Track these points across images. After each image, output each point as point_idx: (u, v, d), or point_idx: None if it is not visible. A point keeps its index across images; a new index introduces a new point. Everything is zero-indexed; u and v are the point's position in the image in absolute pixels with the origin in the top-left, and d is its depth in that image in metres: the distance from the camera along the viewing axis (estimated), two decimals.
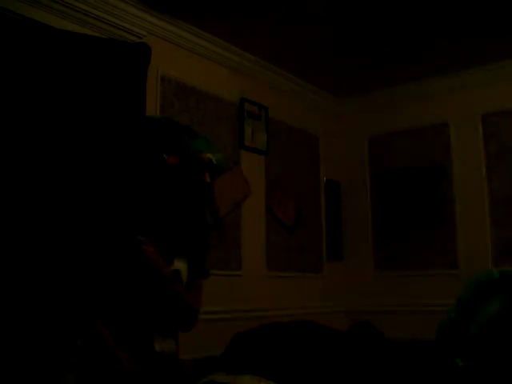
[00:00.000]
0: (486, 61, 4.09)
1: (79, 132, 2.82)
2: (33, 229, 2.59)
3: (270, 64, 4.16)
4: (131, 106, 3.06)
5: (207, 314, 3.45)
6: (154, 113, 3.31)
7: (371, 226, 4.72)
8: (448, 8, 3.31)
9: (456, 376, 1.20)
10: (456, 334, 1.33)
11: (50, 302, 2.58)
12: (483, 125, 4.26)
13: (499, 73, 4.16)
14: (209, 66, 3.76)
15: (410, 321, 4.00)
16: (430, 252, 4.36)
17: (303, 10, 3.35)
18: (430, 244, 4.38)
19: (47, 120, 2.70)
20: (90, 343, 1.87)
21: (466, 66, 4.18)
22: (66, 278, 2.60)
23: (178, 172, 1.89)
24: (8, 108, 2.57)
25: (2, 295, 2.45)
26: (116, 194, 2.64)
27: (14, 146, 2.58)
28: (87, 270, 2.06)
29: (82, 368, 1.89)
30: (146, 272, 1.84)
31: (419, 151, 4.52)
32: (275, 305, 3.96)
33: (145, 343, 1.86)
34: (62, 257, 2.67)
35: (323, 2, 3.28)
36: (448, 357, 1.24)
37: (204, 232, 2.16)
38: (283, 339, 3.25)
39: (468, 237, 4.22)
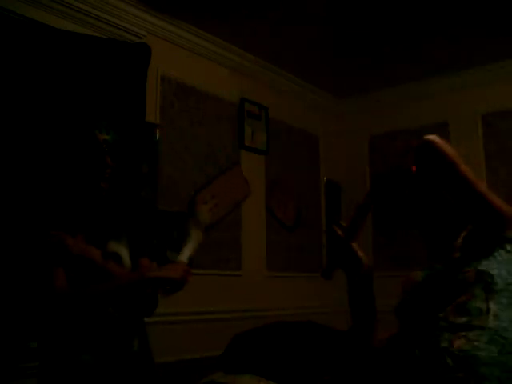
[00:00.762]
0: (486, 61, 4.09)
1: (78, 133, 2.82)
2: None
3: (270, 64, 4.16)
4: (131, 106, 3.07)
5: (207, 314, 3.46)
6: (154, 113, 3.31)
7: (371, 226, 4.72)
8: (448, 8, 3.31)
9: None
10: None
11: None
12: (483, 125, 4.26)
13: (499, 73, 4.16)
14: (209, 66, 3.76)
15: None
16: None
17: (303, 10, 3.35)
18: None
19: (47, 120, 2.70)
20: (48, 346, 1.85)
21: (466, 66, 4.18)
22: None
23: (80, 154, 1.94)
24: (6, 108, 2.57)
25: None
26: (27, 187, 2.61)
27: (12, 146, 2.58)
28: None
29: (45, 372, 1.84)
30: (73, 265, 1.83)
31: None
32: (275, 305, 3.96)
33: (113, 342, 1.85)
34: None
35: (323, 2, 3.28)
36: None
37: (140, 214, 2.17)
38: (283, 339, 3.25)
39: None
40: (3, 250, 2.47)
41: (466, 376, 1.11)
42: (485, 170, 4.20)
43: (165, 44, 3.45)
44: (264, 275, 4.01)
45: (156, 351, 3.13)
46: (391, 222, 4.60)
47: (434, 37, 3.70)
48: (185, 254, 2.06)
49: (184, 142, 3.52)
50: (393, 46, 3.83)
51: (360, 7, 3.32)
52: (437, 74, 4.33)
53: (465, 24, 3.52)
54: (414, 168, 1.44)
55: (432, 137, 1.38)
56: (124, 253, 1.98)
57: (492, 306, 1.17)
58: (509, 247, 1.27)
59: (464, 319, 1.18)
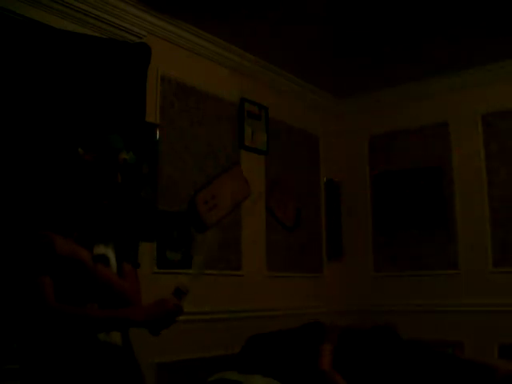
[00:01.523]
0: (486, 61, 4.09)
1: (78, 133, 2.82)
2: None
3: (270, 64, 4.16)
4: (131, 106, 3.07)
5: (207, 313, 3.46)
6: (154, 113, 3.31)
7: (371, 226, 4.72)
8: (448, 8, 3.31)
9: None
10: None
11: None
12: (483, 125, 4.26)
13: (499, 73, 4.16)
14: (209, 66, 3.76)
15: (410, 321, 3.99)
16: (430, 252, 4.36)
17: (303, 10, 3.34)
18: (429, 244, 4.38)
19: (47, 120, 2.70)
20: (30, 347, 1.79)
21: (466, 66, 4.18)
22: None
23: (93, 169, 1.91)
24: (6, 108, 2.57)
25: None
26: (23, 187, 2.58)
27: (12, 146, 2.58)
28: None
29: (28, 373, 1.79)
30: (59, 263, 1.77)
31: (419, 151, 4.52)
32: (275, 305, 3.96)
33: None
34: None
35: (323, 2, 3.28)
36: None
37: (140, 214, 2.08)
38: (296, 342, 3.23)
39: (468, 237, 4.22)
40: None
41: None
42: (485, 170, 4.20)
43: (165, 44, 3.45)
44: (264, 275, 4.01)
45: (156, 351, 3.14)
46: (391, 222, 4.60)
47: (434, 37, 3.70)
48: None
49: (184, 141, 3.51)
50: (393, 45, 3.83)
51: (360, 7, 3.32)
52: (437, 74, 4.33)
53: (465, 24, 3.51)
54: None
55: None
56: (111, 256, 1.95)
57: None
58: None
59: None
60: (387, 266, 4.59)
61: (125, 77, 3.05)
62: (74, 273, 1.79)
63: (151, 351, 3.09)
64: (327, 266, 4.65)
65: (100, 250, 1.90)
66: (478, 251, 4.15)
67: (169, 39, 3.48)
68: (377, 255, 4.66)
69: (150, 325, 1.91)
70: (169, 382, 3.18)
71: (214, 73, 3.80)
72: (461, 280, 4.19)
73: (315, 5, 3.30)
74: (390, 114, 4.69)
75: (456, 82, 4.34)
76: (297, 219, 4.38)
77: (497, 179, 4.16)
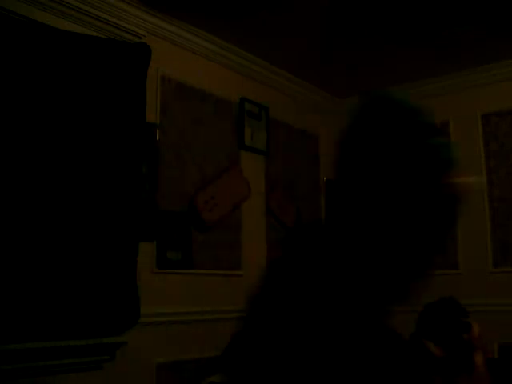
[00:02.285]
0: (486, 61, 4.09)
1: (78, 133, 2.82)
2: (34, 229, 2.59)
3: (270, 64, 4.16)
4: (131, 107, 3.07)
5: (207, 314, 3.46)
6: (154, 113, 3.31)
7: None
8: (448, 8, 3.31)
9: None
10: None
11: None
12: (483, 125, 4.26)
13: (499, 73, 4.16)
14: (209, 66, 3.76)
15: (410, 321, 3.99)
16: None
17: (303, 9, 3.35)
18: None
19: (48, 120, 2.70)
20: None
21: (465, 66, 4.18)
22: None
23: None
24: (7, 108, 2.57)
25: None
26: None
27: (13, 146, 2.58)
28: None
29: None
30: None
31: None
32: None
33: None
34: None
35: (323, 2, 3.28)
36: None
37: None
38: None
39: (468, 237, 4.22)
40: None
41: None
42: (485, 170, 4.20)
43: (165, 44, 3.45)
44: None
45: (156, 351, 3.14)
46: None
47: (433, 37, 3.69)
48: None
49: (184, 141, 3.51)
50: (393, 45, 3.83)
51: (360, 7, 3.32)
52: (437, 74, 4.33)
53: (465, 24, 3.51)
54: None
55: None
56: None
57: None
58: None
59: None
60: None
61: (125, 77, 3.05)
62: None
63: (151, 351, 3.10)
64: None
65: None
66: (478, 251, 4.15)
67: (169, 39, 3.48)
68: None
69: None
70: (169, 382, 3.18)
71: (214, 73, 3.80)
72: (461, 280, 4.19)
73: (315, 5, 3.30)
74: None
75: (456, 82, 4.34)
76: (297, 219, 4.37)
77: (497, 179, 4.16)
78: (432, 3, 3.26)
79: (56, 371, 2.64)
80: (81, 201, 2.78)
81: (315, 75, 4.40)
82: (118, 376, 2.89)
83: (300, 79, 4.46)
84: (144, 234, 3.13)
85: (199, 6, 3.28)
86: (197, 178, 3.56)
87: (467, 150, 4.31)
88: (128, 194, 2.98)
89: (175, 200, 3.40)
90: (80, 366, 2.75)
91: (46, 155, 2.67)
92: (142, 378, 3.04)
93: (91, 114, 2.88)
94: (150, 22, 3.32)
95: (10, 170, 2.55)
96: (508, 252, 4.04)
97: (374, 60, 4.08)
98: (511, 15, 3.38)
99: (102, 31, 3.07)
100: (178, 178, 3.44)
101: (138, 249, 3.02)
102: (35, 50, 2.70)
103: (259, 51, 3.95)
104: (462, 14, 3.39)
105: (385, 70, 4.27)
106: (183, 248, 3.39)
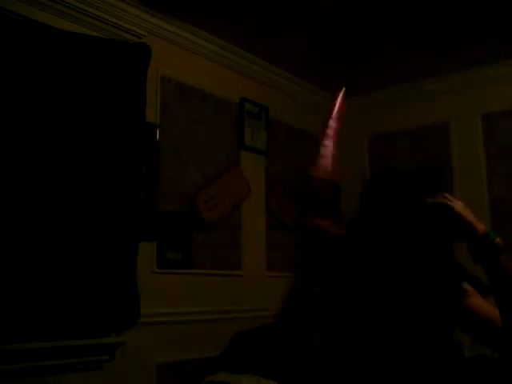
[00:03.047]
0: (486, 61, 4.09)
1: (78, 133, 2.82)
2: (34, 228, 2.59)
3: (270, 64, 4.16)
4: (131, 106, 3.07)
5: (207, 313, 3.46)
6: (154, 113, 3.31)
7: None
8: (448, 8, 3.31)
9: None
10: None
11: None
12: (483, 125, 4.26)
13: (499, 73, 4.16)
14: (209, 66, 3.76)
15: None
16: None
17: (303, 9, 3.34)
18: None
19: (48, 120, 2.70)
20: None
21: (466, 66, 4.18)
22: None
23: None
24: (7, 108, 2.57)
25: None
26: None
27: (13, 146, 2.58)
28: None
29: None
30: None
31: (419, 151, 4.52)
32: (275, 305, 3.94)
33: None
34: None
35: (323, 2, 3.28)
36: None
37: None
38: (282, 338, 3.24)
39: None
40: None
41: None
42: (485, 170, 4.20)
43: (165, 44, 3.45)
44: (264, 275, 4.00)
45: (156, 351, 3.14)
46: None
47: (433, 37, 3.70)
48: None
49: (184, 141, 3.51)
50: (393, 45, 3.83)
51: (360, 7, 3.32)
52: (437, 74, 4.33)
53: (465, 24, 3.51)
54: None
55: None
56: None
57: None
58: None
59: None
60: None
61: (125, 77, 3.05)
62: None
63: (151, 351, 3.10)
64: None
65: None
66: None
67: (169, 39, 3.48)
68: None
69: None
70: (169, 382, 3.18)
71: (214, 73, 3.80)
72: None
73: (315, 5, 3.30)
74: (390, 114, 4.69)
75: (456, 82, 4.34)
76: (297, 219, 4.37)
77: (497, 179, 4.16)
78: (432, 3, 3.26)
79: (56, 371, 2.64)
80: (81, 201, 2.78)
81: (315, 75, 4.40)
82: (117, 376, 2.89)
83: (300, 79, 4.46)
84: (144, 233, 3.13)
85: (199, 6, 3.28)
86: (197, 178, 3.56)
87: (467, 150, 4.31)
88: (128, 194, 2.98)
89: (175, 200, 3.40)
90: (80, 365, 2.75)
91: (46, 155, 2.67)
92: (141, 378, 3.04)
93: (91, 114, 2.88)
94: (150, 21, 3.32)
95: (11, 171, 2.55)
96: (508, 252, 4.03)
97: (374, 60, 4.08)
98: (511, 15, 3.38)
99: (102, 31, 3.07)
100: (178, 177, 3.44)
101: (138, 249, 3.02)
102: (35, 50, 2.70)
103: (259, 51, 3.95)
104: (462, 14, 3.39)
105: (385, 70, 4.27)
106: (183, 248, 3.39)
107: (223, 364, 3.25)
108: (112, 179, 2.91)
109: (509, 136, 4.13)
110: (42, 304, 2.58)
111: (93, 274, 2.78)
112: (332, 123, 1.66)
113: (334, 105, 1.70)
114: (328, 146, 1.58)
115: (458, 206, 1.41)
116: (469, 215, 1.39)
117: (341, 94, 1.77)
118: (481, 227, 1.41)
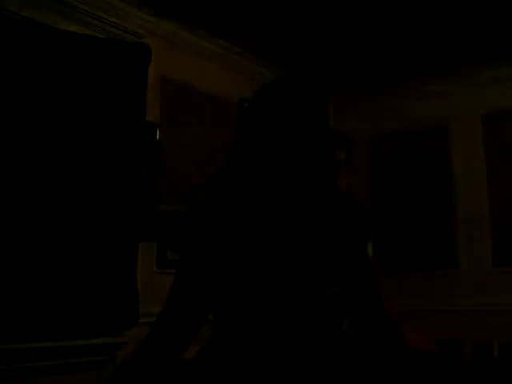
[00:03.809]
0: (487, 61, 4.08)
1: (78, 133, 2.82)
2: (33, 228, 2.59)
3: (269, 64, 4.15)
4: (131, 106, 3.07)
5: None
6: (154, 113, 3.31)
7: None
8: (448, 8, 3.31)
9: None
10: None
11: None
12: (483, 125, 4.25)
13: (499, 73, 4.15)
14: (209, 66, 3.76)
15: (410, 320, 3.99)
16: (430, 252, 4.36)
17: (303, 10, 3.34)
18: (430, 244, 4.38)
19: (48, 120, 2.70)
20: None
21: (466, 66, 4.18)
22: None
23: None
24: (8, 108, 2.57)
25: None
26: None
27: (13, 146, 2.58)
28: None
29: None
30: None
31: (419, 151, 4.52)
32: None
33: None
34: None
35: (323, 3, 3.28)
36: None
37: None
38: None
39: (468, 237, 4.22)
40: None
41: None
42: (485, 170, 4.20)
43: (165, 44, 3.44)
44: None
45: None
46: (391, 222, 4.60)
47: (434, 37, 3.70)
48: None
49: (184, 141, 3.51)
50: (393, 46, 3.83)
51: (360, 8, 3.32)
52: (437, 74, 4.33)
53: (465, 23, 3.51)
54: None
55: None
56: None
57: None
58: None
59: None
60: (387, 266, 4.58)
61: (125, 77, 3.05)
62: None
63: None
64: None
65: None
66: (478, 251, 4.14)
67: (169, 39, 3.47)
68: (376, 255, 4.65)
69: None
70: (168, 382, 3.17)
71: (214, 73, 3.80)
72: (460, 280, 4.19)
73: (315, 5, 3.30)
74: (390, 114, 4.69)
75: (456, 82, 4.33)
76: None
77: (497, 179, 4.16)
78: (432, 3, 3.26)
79: (56, 371, 2.64)
80: (81, 201, 2.78)
81: (315, 75, 4.39)
82: None
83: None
84: (144, 233, 3.13)
85: (199, 6, 3.28)
86: (197, 178, 3.56)
87: (467, 150, 4.31)
88: (128, 193, 2.98)
89: (175, 200, 3.40)
90: (80, 366, 2.75)
91: (46, 155, 2.67)
92: None
93: (92, 113, 2.88)
94: (150, 21, 3.32)
95: (11, 171, 2.55)
96: (508, 252, 4.04)
97: (374, 61, 4.08)
98: (511, 15, 3.38)
99: (102, 31, 3.07)
100: (178, 178, 3.44)
101: (138, 249, 3.01)
102: (35, 50, 2.70)
103: (259, 51, 3.95)
104: (462, 14, 3.39)
105: (384, 71, 4.27)
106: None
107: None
108: (112, 179, 2.91)
109: (509, 136, 4.13)
110: (42, 304, 2.58)
111: (93, 274, 2.78)
112: None
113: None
114: None
115: None
116: None
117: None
118: None
